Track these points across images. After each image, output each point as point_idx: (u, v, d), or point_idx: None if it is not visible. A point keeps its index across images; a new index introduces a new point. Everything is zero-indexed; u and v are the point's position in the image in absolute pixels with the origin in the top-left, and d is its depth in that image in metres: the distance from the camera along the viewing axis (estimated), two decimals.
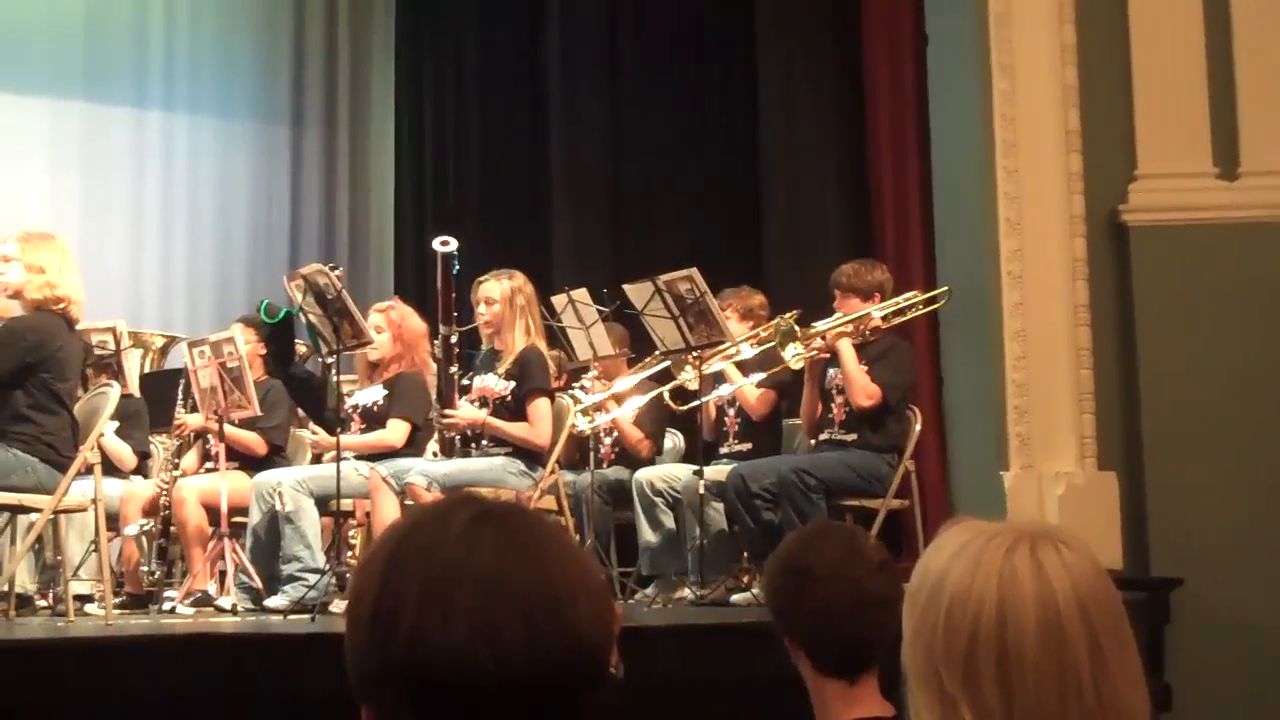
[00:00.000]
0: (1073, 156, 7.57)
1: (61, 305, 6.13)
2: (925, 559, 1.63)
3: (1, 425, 6.05)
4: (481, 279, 7.07)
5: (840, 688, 2.78)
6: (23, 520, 6.84)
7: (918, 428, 6.92)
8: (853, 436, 6.88)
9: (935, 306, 7.37)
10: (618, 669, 1.41)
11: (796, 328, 6.86)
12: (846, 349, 6.83)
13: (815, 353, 6.90)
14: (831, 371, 6.96)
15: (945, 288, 7.38)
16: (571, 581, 1.36)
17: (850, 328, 6.89)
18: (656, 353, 7.25)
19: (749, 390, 7.25)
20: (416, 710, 1.33)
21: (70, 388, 6.22)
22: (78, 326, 6.37)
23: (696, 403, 7.19)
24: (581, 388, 7.49)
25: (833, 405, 6.97)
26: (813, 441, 7.11)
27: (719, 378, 7.28)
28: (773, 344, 6.94)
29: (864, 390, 6.78)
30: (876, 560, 2.83)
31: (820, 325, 6.91)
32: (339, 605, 6.50)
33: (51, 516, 6.21)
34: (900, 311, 7.07)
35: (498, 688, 1.31)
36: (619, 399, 7.58)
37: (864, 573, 2.79)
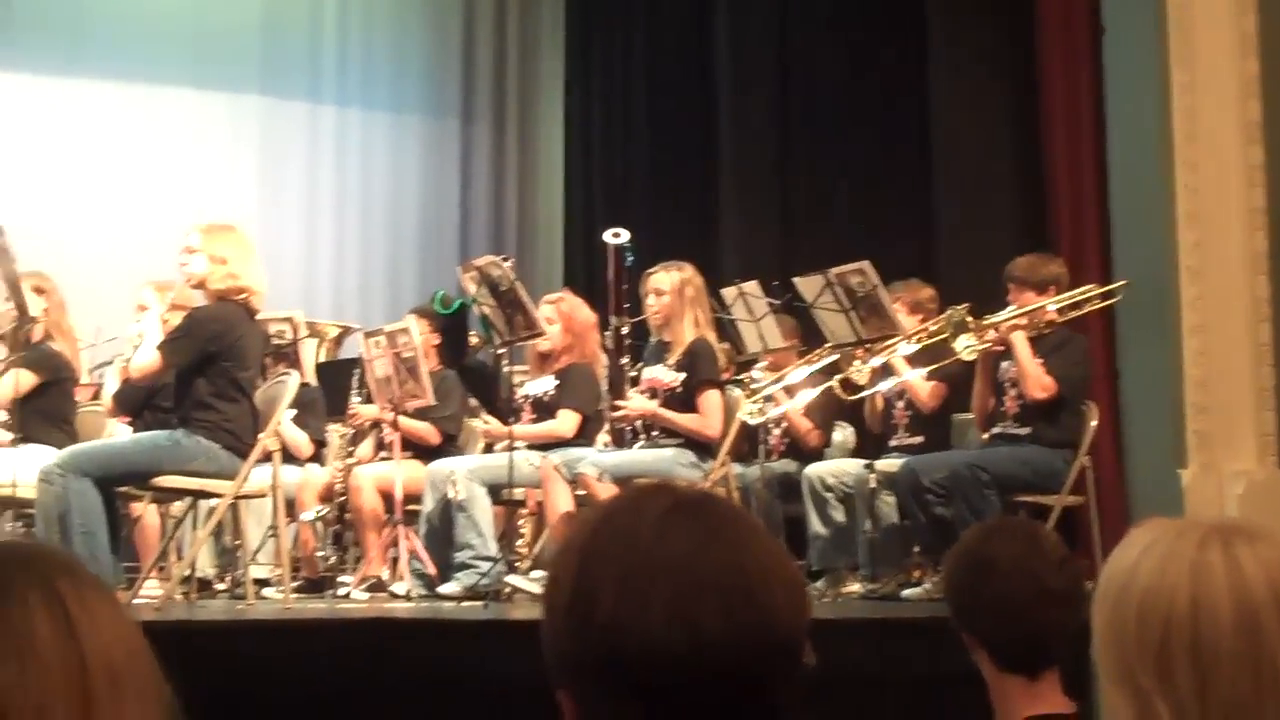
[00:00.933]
0: (1253, 148, 7.40)
1: (243, 295, 6.26)
2: (1114, 557, 1.62)
3: (185, 412, 6.20)
4: (651, 271, 7.09)
5: (1021, 684, 2.75)
6: (203, 505, 7.00)
7: (1093, 423, 6.81)
8: (1026, 430, 6.79)
9: (1112, 301, 7.24)
10: (809, 659, 1.41)
11: (969, 319, 6.78)
12: (1021, 341, 6.73)
13: (988, 345, 6.81)
14: (1005, 364, 6.87)
15: (1123, 281, 7.25)
16: (766, 570, 1.37)
17: (1024, 321, 6.80)
18: (827, 345, 7.21)
19: (919, 383, 7.19)
20: (614, 695, 1.34)
21: (251, 376, 6.35)
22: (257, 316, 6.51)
23: (866, 393, 7.14)
24: (751, 378, 7.48)
25: (1005, 398, 6.88)
26: (985, 435, 7.04)
27: (887, 369, 7.23)
28: (944, 336, 6.87)
29: (1039, 383, 6.68)
30: (1058, 556, 2.80)
31: (994, 318, 6.83)
32: (522, 581, 6.56)
33: (232, 502, 6.35)
34: (1076, 305, 6.95)
35: (694, 674, 1.32)
36: (790, 391, 7.56)
37: (1045, 568, 2.76)
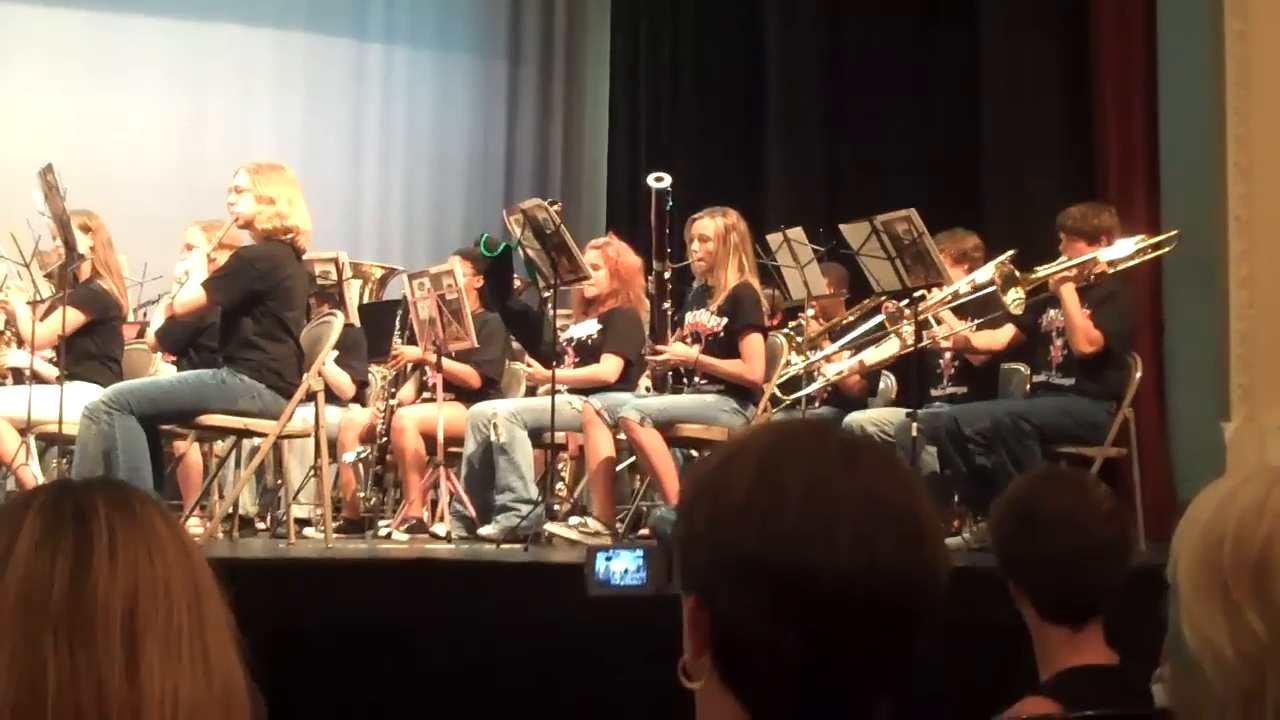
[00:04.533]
0: None
1: (290, 235, 6.27)
2: (1206, 491, 1.64)
3: (230, 351, 6.23)
4: (695, 216, 7.06)
5: (1064, 634, 2.76)
6: (246, 444, 7.04)
7: (1138, 375, 6.77)
8: (1070, 381, 6.74)
9: (1163, 251, 7.17)
10: None
11: (1018, 273, 6.73)
12: (1069, 294, 6.67)
13: (1038, 298, 6.76)
14: (1052, 313, 6.82)
15: (1175, 231, 7.17)
16: (931, 518, 1.42)
17: (1074, 272, 6.74)
18: (874, 295, 7.17)
19: (977, 339, 7.09)
20: (772, 606, 1.36)
21: (297, 317, 6.36)
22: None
23: (909, 349, 7.08)
24: (796, 328, 7.42)
25: (1051, 348, 6.84)
26: (1027, 386, 7.00)
27: (935, 322, 7.17)
28: (993, 289, 6.82)
29: (1086, 336, 6.63)
30: (1106, 508, 2.80)
31: (1043, 270, 6.78)
32: (561, 528, 6.57)
33: (275, 441, 6.37)
34: (1128, 256, 6.89)
35: (863, 599, 1.35)
36: (841, 348, 7.52)
37: (1093, 521, 2.75)
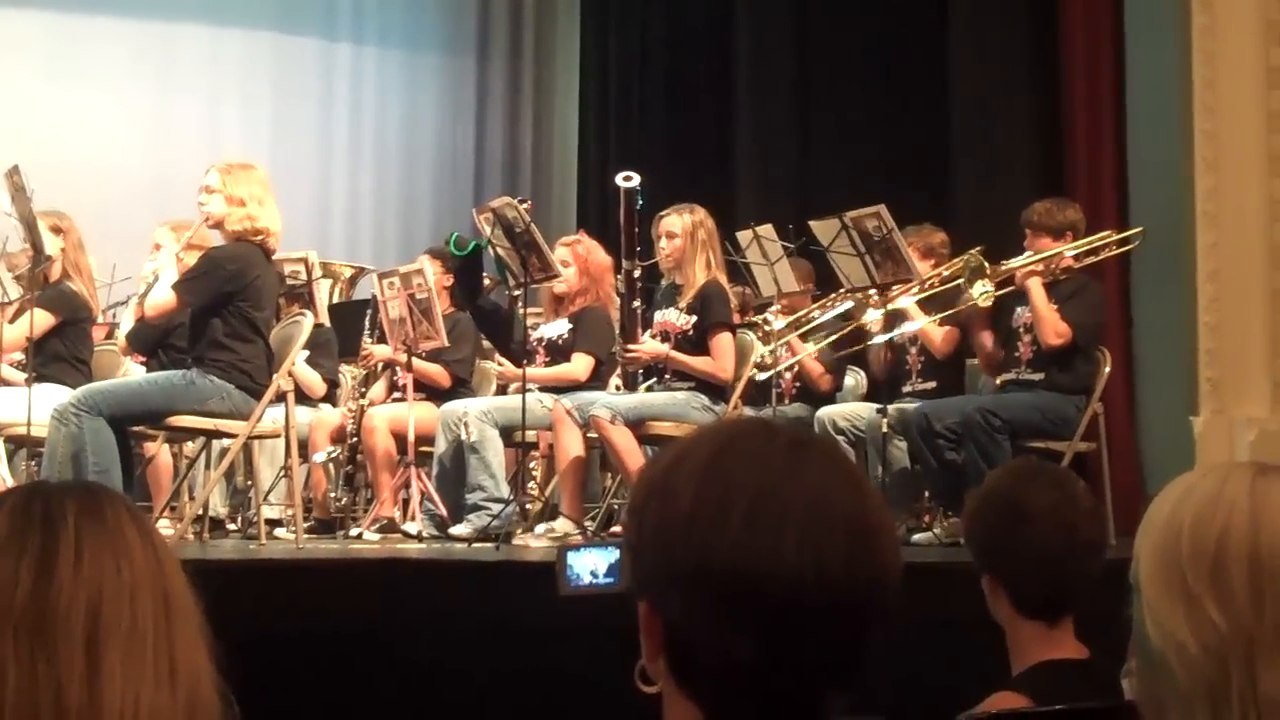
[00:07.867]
0: (1274, 94, 7.36)
1: (260, 236, 6.25)
2: (1165, 490, 1.66)
3: (199, 352, 6.21)
4: (663, 213, 7.06)
5: (1039, 629, 2.76)
6: (216, 445, 7.01)
7: (1107, 369, 6.80)
8: (1039, 376, 6.77)
9: (1129, 247, 7.21)
10: None
11: (985, 264, 6.76)
12: (1036, 288, 6.71)
13: (1004, 290, 6.79)
14: (1019, 310, 6.85)
15: (1140, 228, 7.21)
16: (880, 515, 1.41)
17: (1040, 266, 6.78)
18: (841, 290, 7.19)
19: (933, 329, 7.17)
20: (722, 613, 1.35)
21: (266, 317, 6.35)
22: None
23: (874, 341, 7.11)
24: (765, 320, 7.43)
25: (1020, 344, 6.87)
26: (997, 381, 7.02)
27: (900, 315, 7.20)
28: (959, 281, 6.85)
29: (1054, 329, 6.66)
30: (1088, 505, 2.80)
31: (1010, 263, 6.81)
32: (525, 539, 6.57)
33: (245, 442, 6.35)
34: (1093, 251, 6.93)
35: (812, 605, 1.34)
36: (803, 337, 7.53)
37: (1077, 517, 2.76)
